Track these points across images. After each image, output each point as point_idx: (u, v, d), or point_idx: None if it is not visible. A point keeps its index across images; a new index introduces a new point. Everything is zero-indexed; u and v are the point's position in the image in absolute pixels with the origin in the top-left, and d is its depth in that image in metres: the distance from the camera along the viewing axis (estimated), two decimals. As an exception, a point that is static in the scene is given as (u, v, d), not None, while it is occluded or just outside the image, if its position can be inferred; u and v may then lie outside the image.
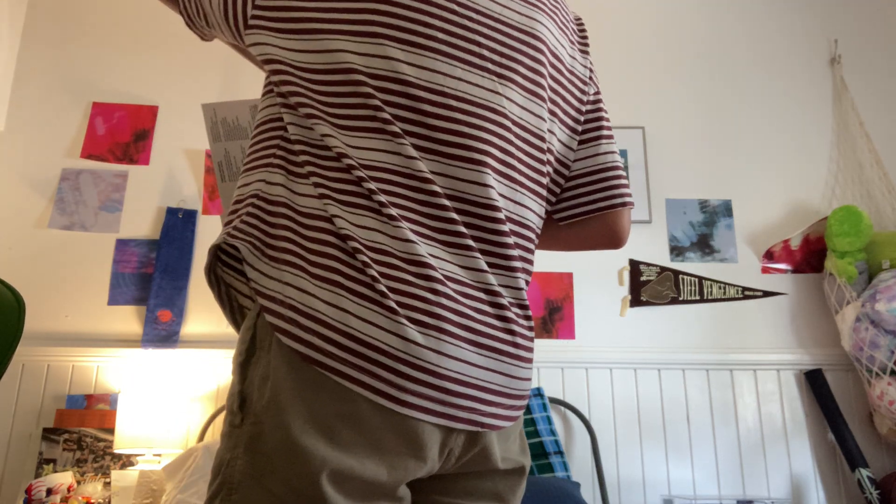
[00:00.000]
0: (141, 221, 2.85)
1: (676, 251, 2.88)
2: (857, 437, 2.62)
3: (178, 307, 2.73)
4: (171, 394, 2.49)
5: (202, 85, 3.01)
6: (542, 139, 0.91)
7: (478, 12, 0.88)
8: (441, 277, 0.77)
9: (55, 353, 2.65)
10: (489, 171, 0.83)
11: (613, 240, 1.03)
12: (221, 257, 0.86)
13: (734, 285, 2.85)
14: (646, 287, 2.84)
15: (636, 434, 2.66)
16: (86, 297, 2.75)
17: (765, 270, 2.88)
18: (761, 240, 2.90)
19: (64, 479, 2.36)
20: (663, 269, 2.86)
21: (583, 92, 1.03)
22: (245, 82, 3.02)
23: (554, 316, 2.77)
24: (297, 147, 0.82)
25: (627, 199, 1.01)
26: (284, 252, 0.78)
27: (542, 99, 0.92)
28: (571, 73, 1.00)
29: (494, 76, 0.87)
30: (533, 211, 0.89)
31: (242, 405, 0.76)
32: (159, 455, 2.45)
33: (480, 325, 0.79)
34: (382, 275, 0.75)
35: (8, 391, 2.60)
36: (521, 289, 0.85)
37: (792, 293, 2.85)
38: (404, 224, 0.77)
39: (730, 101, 3.08)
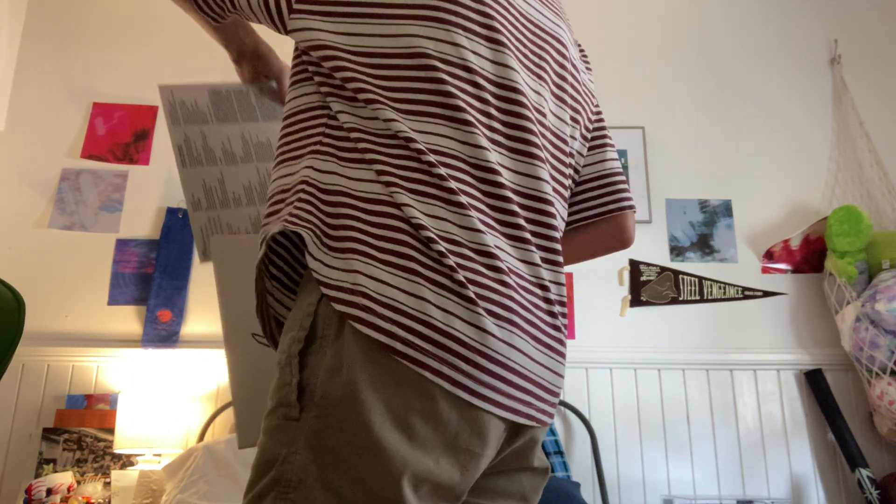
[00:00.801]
0: (141, 221, 2.85)
1: (676, 251, 2.88)
2: (857, 437, 2.62)
3: (178, 307, 2.73)
4: (171, 394, 2.49)
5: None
6: (566, 143, 0.93)
7: (519, 13, 0.91)
8: (507, 269, 0.76)
9: (55, 353, 2.65)
10: (544, 166, 0.85)
11: (623, 241, 1.06)
12: (269, 256, 0.83)
13: (734, 285, 2.85)
14: (646, 287, 2.84)
15: (636, 434, 2.66)
16: (86, 297, 2.75)
17: (765, 270, 2.88)
18: (761, 240, 2.90)
19: (64, 479, 2.36)
20: (663, 269, 2.86)
21: (593, 102, 1.06)
22: (245, 82, 3.02)
23: (554, 316, 2.77)
24: (354, 135, 0.79)
25: (632, 203, 1.05)
26: (349, 241, 0.75)
27: (566, 104, 0.95)
28: (584, 83, 1.04)
29: (535, 76, 0.90)
30: (560, 213, 0.92)
31: (301, 396, 0.71)
32: (159, 455, 2.45)
33: (538, 320, 0.79)
34: (458, 265, 0.73)
35: (8, 391, 2.60)
36: (563, 285, 0.86)
37: (792, 293, 2.85)
38: (473, 213, 0.76)
39: (730, 101, 3.08)
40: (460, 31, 0.82)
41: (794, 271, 2.88)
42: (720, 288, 2.85)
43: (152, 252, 2.80)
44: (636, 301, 2.82)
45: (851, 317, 2.56)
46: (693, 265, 2.86)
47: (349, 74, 0.80)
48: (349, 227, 0.75)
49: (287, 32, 0.87)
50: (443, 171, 0.76)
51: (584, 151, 1.02)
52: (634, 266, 2.86)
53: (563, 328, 0.84)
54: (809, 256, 2.88)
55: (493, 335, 0.72)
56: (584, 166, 1.03)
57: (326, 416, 0.69)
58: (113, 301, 2.75)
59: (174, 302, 2.74)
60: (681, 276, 2.85)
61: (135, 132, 2.94)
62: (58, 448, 2.50)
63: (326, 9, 0.83)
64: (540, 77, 0.90)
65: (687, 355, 2.75)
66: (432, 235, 0.73)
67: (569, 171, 0.94)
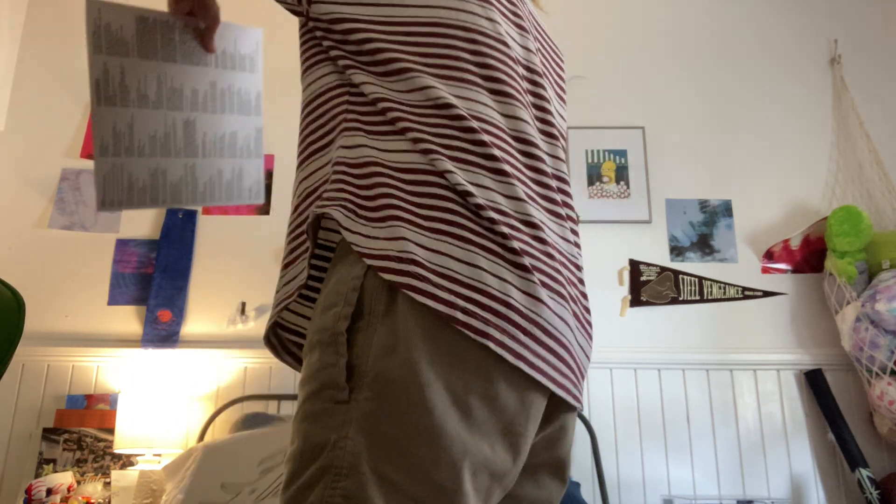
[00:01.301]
0: (141, 221, 2.85)
1: (676, 251, 2.88)
2: (857, 437, 2.62)
3: (178, 307, 2.73)
4: (171, 394, 2.49)
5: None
6: (566, 136, 0.95)
7: (529, 9, 0.94)
8: (552, 242, 0.74)
9: (55, 353, 2.65)
10: (564, 153, 0.87)
11: None
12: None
13: (734, 285, 2.85)
14: (646, 287, 2.84)
15: (636, 434, 2.66)
16: (86, 297, 2.75)
17: (765, 270, 2.88)
18: (761, 240, 2.90)
19: (64, 479, 2.36)
20: (663, 269, 2.86)
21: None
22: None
23: (554, 316, 2.77)
24: (382, 105, 0.75)
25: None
26: (389, 208, 0.69)
27: (563, 100, 0.96)
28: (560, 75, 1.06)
29: (547, 67, 0.93)
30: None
31: (350, 378, 0.65)
32: (159, 455, 2.45)
33: (578, 296, 0.78)
34: (510, 234, 0.69)
35: (8, 391, 2.60)
36: (582, 267, 0.85)
37: (792, 293, 2.85)
38: (517, 183, 0.73)
39: (730, 101, 3.08)
40: (496, 10, 0.82)
41: (794, 271, 2.88)
42: (720, 288, 2.85)
43: (152, 252, 2.80)
44: (636, 301, 2.82)
45: (851, 317, 2.56)
46: (693, 265, 2.86)
47: (379, 45, 0.76)
48: (388, 194, 0.70)
49: (310, 5, 0.81)
50: (486, 137, 0.73)
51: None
52: (634, 266, 2.86)
53: (589, 310, 0.82)
54: (809, 256, 2.88)
55: (548, 306, 0.69)
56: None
57: (381, 399, 0.63)
58: (113, 301, 2.75)
59: (174, 302, 2.74)
60: (681, 276, 2.85)
61: (135, 132, 2.94)
62: (58, 448, 2.50)
63: None
64: (546, 69, 0.92)
65: (687, 355, 2.75)
66: (481, 202, 0.69)
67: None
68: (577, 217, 0.86)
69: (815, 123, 3.05)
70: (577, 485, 2.29)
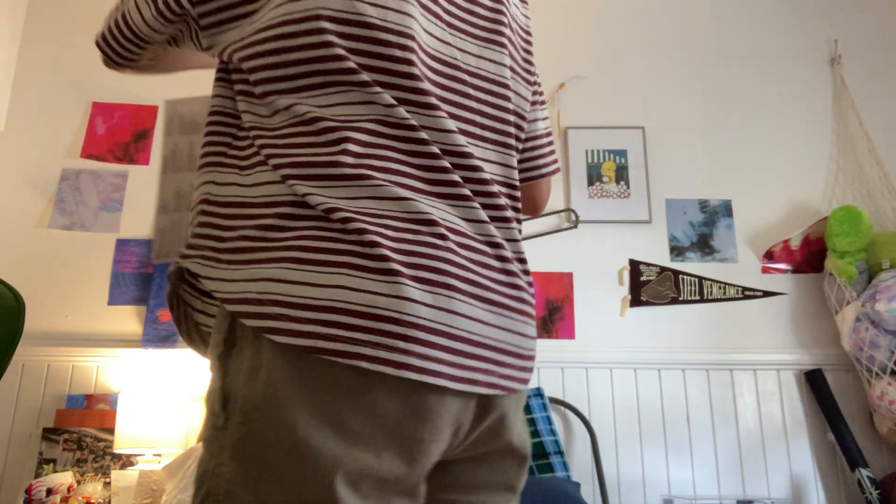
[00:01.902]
0: (141, 221, 2.85)
1: (676, 251, 2.88)
2: (857, 437, 2.62)
3: (178, 307, 2.73)
4: (171, 394, 2.49)
5: (202, 84, 3.01)
6: (499, 85, 0.86)
7: None
8: (444, 232, 0.70)
9: (55, 353, 2.65)
10: (449, 117, 0.79)
11: (534, 207, 1.04)
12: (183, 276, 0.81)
13: (734, 285, 2.85)
14: (646, 287, 2.84)
15: (636, 434, 2.66)
16: (86, 297, 2.75)
17: (765, 270, 2.88)
18: (761, 240, 2.90)
19: (64, 479, 2.36)
20: (663, 269, 2.86)
21: (529, 50, 0.98)
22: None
23: (554, 316, 2.77)
24: (253, 133, 0.75)
25: (551, 168, 1.02)
26: (252, 251, 0.69)
27: (503, 46, 0.88)
28: (523, 29, 0.98)
29: (446, 26, 0.83)
30: (497, 164, 0.84)
31: (226, 404, 0.66)
32: (159, 455, 2.45)
33: (488, 280, 0.73)
34: (379, 238, 0.66)
35: (8, 391, 2.60)
36: (518, 240, 0.80)
37: (792, 293, 2.85)
38: (392, 180, 0.70)
39: (730, 101, 3.08)
40: None
41: (794, 271, 2.88)
42: (720, 288, 2.85)
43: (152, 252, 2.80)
44: (636, 301, 2.82)
45: (851, 317, 2.56)
46: (693, 265, 2.86)
47: (253, 63, 0.74)
48: (250, 237, 0.70)
49: (204, 49, 0.83)
50: (353, 147, 0.70)
51: (530, 97, 0.94)
52: (634, 266, 2.86)
53: (524, 286, 0.78)
54: (809, 256, 2.88)
55: (426, 304, 0.65)
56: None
57: (249, 421, 0.63)
58: (113, 301, 2.75)
59: (174, 302, 2.73)
60: (681, 276, 2.85)
61: (135, 132, 2.94)
62: (58, 448, 2.50)
63: (222, 17, 0.80)
64: (452, 26, 0.83)
65: (687, 355, 2.75)
66: (348, 214, 0.67)
67: (510, 118, 0.86)
68: (497, 187, 0.80)
69: (815, 123, 3.05)
70: (577, 485, 2.29)
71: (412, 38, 0.76)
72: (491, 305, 0.72)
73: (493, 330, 0.71)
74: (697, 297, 2.83)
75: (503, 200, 0.79)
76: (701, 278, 2.85)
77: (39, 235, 2.80)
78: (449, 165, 0.75)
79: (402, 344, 0.63)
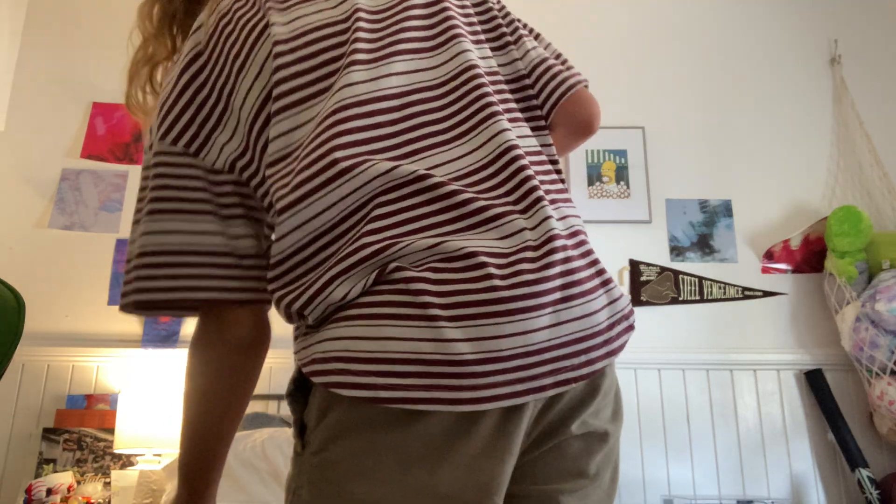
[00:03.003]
0: (141, 221, 2.85)
1: (676, 251, 2.88)
2: (857, 437, 2.62)
3: (178, 307, 2.73)
4: (171, 394, 2.48)
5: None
6: (470, 69, 0.86)
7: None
8: (484, 261, 0.71)
9: (55, 353, 2.65)
10: (426, 151, 0.80)
11: (580, 125, 1.00)
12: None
13: (734, 285, 2.85)
14: (646, 287, 2.84)
15: (636, 434, 2.66)
16: (86, 297, 2.75)
17: (765, 270, 2.88)
18: (761, 240, 2.90)
19: (64, 479, 2.36)
20: (663, 269, 2.86)
21: (481, 7, 0.97)
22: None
23: (554, 316, 2.77)
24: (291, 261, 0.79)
25: (578, 80, 0.98)
26: (323, 321, 0.76)
27: (454, 38, 0.88)
28: None
29: (377, 57, 0.85)
30: (525, 136, 0.85)
31: (302, 433, 0.74)
32: (159, 455, 2.45)
33: (535, 285, 0.71)
34: (425, 282, 0.70)
35: (8, 391, 2.60)
36: (570, 217, 0.79)
37: (792, 293, 2.85)
38: (427, 234, 0.73)
39: (730, 101, 3.07)
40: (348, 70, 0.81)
41: (794, 271, 2.88)
42: (720, 288, 2.85)
43: (152, 252, 2.80)
44: (636, 301, 2.82)
45: (851, 317, 2.56)
46: (693, 265, 2.86)
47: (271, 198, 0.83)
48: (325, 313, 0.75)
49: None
50: (368, 227, 0.74)
51: (495, 48, 0.93)
52: (634, 266, 2.86)
53: (576, 265, 0.75)
54: (809, 256, 2.88)
55: (467, 339, 0.68)
56: (503, 66, 0.93)
57: (323, 452, 0.70)
58: (113, 301, 2.75)
59: (174, 302, 2.73)
60: (681, 276, 2.85)
61: (135, 132, 2.94)
62: (58, 448, 2.50)
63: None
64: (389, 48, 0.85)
65: (687, 355, 2.74)
66: (398, 264, 0.71)
67: (489, 90, 0.84)
68: (528, 171, 0.80)
69: (815, 123, 3.05)
70: (577, 485, 2.29)
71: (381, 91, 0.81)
72: (542, 308, 0.72)
73: (553, 329, 0.72)
74: (697, 297, 2.83)
75: (537, 182, 0.78)
76: (701, 278, 2.85)
77: (39, 235, 2.80)
78: (462, 188, 0.76)
79: (451, 381, 0.67)
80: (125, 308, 0.85)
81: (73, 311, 2.73)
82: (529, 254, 0.74)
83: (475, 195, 0.76)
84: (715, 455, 2.66)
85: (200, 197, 0.83)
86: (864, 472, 2.47)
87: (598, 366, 0.74)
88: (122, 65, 1.00)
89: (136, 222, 0.85)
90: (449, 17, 0.90)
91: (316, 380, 0.70)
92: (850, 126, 3.03)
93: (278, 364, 2.69)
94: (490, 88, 0.84)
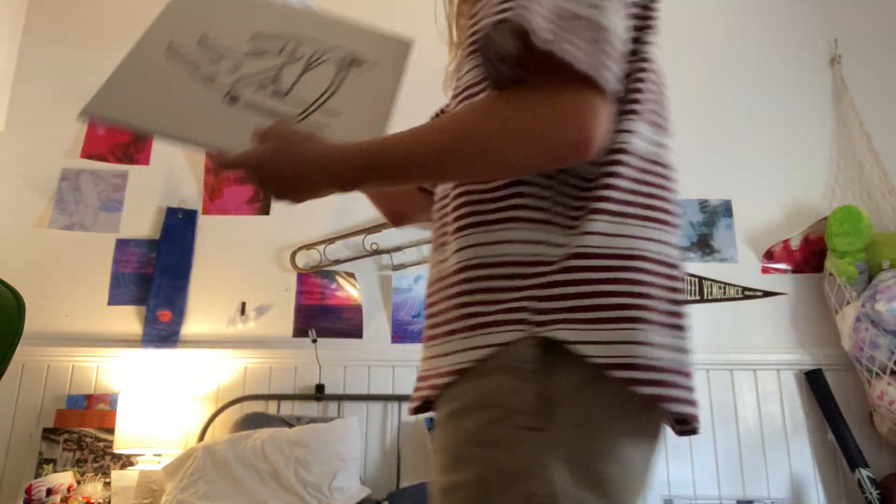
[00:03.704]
0: (141, 221, 2.85)
1: (676, 251, 2.88)
2: (857, 437, 2.62)
3: (178, 307, 2.73)
4: (171, 394, 2.49)
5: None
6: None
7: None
8: (680, 273, 0.81)
9: (55, 353, 2.65)
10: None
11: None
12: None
13: (734, 285, 2.85)
14: (646, 287, 2.83)
15: (636, 434, 2.66)
16: (86, 297, 2.75)
17: (765, 270, 2.88)
18: (761, 240, 2.90)
19: (64, 479, 2.36)
20: (663, 269, 2.85)
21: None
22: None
23: (554, 316, 2.77)
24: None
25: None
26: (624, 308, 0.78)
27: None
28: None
29: None
30: None
31: (548, 409, 0.67)
32: (159, 455, 2.45)
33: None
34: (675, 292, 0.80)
35: (8, 391, 2.60)
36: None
37: (792, 293, 2.85)
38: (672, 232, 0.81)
39: (729, 101, 3.07)
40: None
41: (794, 271, 2.88)
42: (720, 288, 2.84)
43: (152, 252, 2.80)
44: (636, 301, 2.81)
45: (851, 317, 2.56)
46: (693, 265, 2.86)
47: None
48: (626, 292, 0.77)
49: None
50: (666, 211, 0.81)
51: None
52: (634, 266, 2.86)
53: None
54: (809, 256, 2.88)
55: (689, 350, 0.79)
56: None
57: (584, 436, 0.69)
58: (113, 301, 2.75)
59: (174, 302, 2.74)
60: (681, 276, 2.85)
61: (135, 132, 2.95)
62: (58, 448, 2.50)
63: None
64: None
65: (687, 355, 2.74)
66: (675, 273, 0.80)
67: None
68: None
69: (815, 123, 3.05)
70: (578, 485, 2.29)
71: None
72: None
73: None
74: (697, 297, 2.83)
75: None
76: (701, 278, 2.85)
77: (39, 235, 2.80)
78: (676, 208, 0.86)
79: (689, 395, 0.79)
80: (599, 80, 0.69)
81: (73, 311, 2.73)
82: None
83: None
84: (715, 455, 2.66)
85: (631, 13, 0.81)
86: (864, 472, 2.47)
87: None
88: (122, 65, 1.00)
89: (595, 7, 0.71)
90: None
91: (640, 389, 0.74)
92: (850, 126, 3.03)
93: (278, 364, 2.69)
94: None
